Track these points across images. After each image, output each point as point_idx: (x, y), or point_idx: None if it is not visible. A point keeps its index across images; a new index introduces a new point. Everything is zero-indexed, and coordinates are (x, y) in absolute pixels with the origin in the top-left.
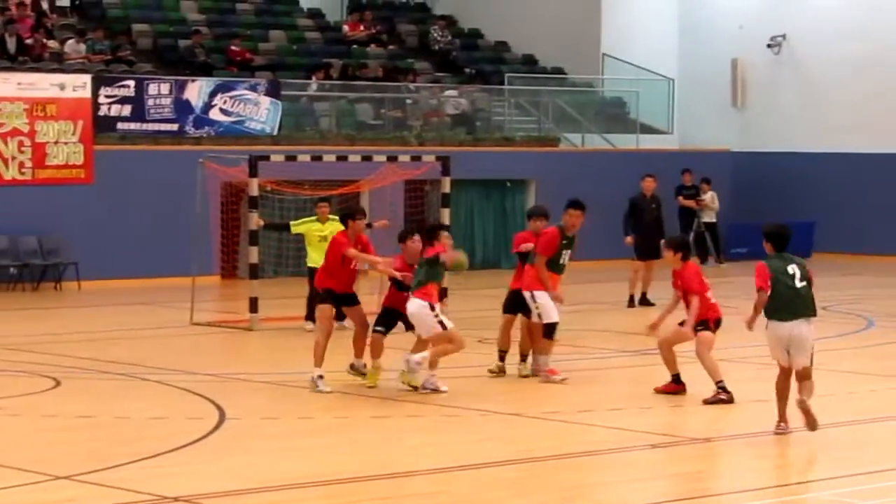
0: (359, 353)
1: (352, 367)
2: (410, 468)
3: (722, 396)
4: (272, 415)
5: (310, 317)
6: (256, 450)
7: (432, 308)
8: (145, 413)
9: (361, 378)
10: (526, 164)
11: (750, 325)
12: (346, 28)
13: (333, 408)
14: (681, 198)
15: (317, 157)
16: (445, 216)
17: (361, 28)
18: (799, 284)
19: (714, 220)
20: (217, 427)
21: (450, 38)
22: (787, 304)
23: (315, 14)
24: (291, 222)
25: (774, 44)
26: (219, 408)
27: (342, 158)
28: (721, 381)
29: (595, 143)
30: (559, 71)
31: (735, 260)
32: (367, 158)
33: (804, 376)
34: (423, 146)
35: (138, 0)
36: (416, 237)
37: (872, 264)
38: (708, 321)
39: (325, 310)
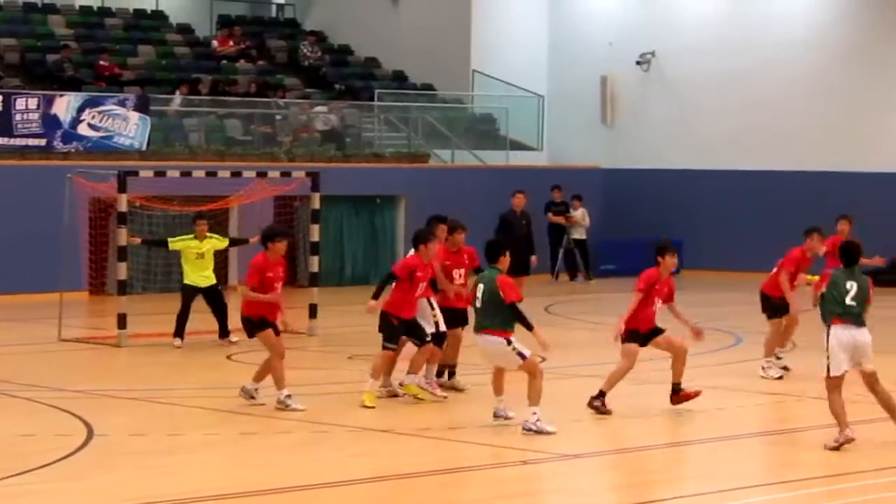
0: (258, 377)
1: (243, 389)
2: (277, 485)
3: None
4: (140, 431)
5: (178, 333)
6: (124, 467)
7: (509, 343)
8: (13, 430)
9: (249, 400)
10: (396, 180)
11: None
12: (215, 43)
13: (203, 425)
14: (550, 214)
15: (186, 173)
16: (315, 232)
17: (231, 43)
18: (849, 301)
19: (584, 237)
20: (85, 444)
21: (320, 53)
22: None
23: (184, 29)
24: (169, 239)
25: (643, 60)
26: (87, 424)
27: (211, 174)
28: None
29: (465, 159)
30: (429, 87)
31: (604, 276)
32: (236, 174)
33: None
34: (293, 162)
35: (5, 14)
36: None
37: (741, 281)
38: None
39: (269, 334)
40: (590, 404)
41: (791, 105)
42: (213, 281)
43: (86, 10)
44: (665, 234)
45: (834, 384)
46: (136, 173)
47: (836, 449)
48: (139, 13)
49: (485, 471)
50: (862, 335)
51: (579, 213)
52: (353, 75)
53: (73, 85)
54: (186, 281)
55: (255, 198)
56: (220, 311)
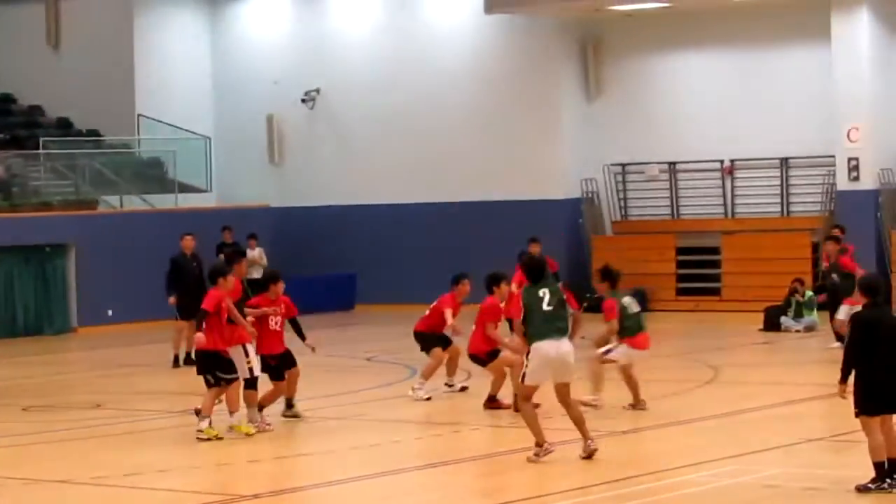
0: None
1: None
2: None
3: None
4: None
5: None
6: None
7: None
8: None
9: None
10: (65, 227)
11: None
12: None
13: None
14: (222, 255)
15: None
16: None
17: None
18: (546, 308)
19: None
20: None
21: None
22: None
23: None
24: None
25: (309, 98)
26: None
27: None
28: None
29: (134, 203)
30: (95, 133)
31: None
32: None
33: None
34: None
35: None
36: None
37: (413, 313)
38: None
39: None
40: None
41: (450, 136)
42: None
43: None
44: (341, 268)
45: (528, 393)
46: None
47: (536, 460)
48: None
49: None
50: (565, 346)
51: (256, 253)
52: (17, 124)
53: None
54: None
55: None
56: None
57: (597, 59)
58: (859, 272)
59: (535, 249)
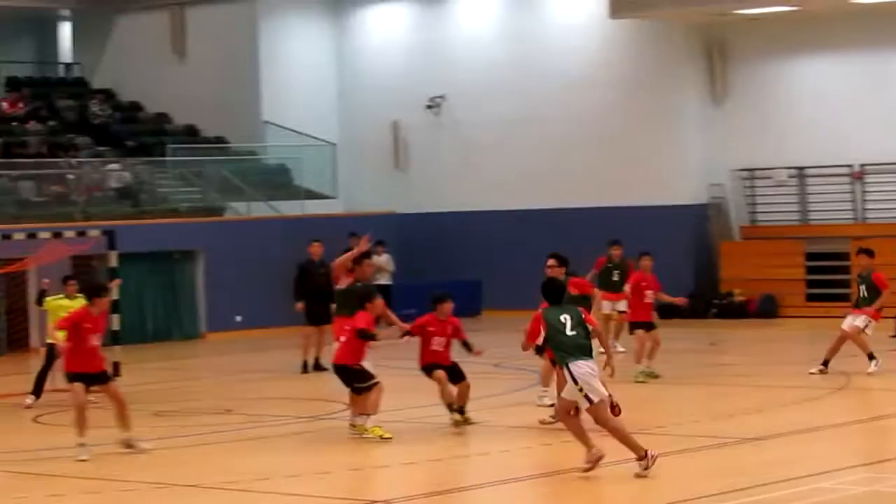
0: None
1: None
2: None
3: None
4: None
5: (36, 391)
6: None
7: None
8: None
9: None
10: (192, 234)
11: None
12: (4, 105)
13: (10, 488)
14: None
15: None
16: (114, 290)
17: (20, 105)
18: (570, 333)
19: (389, 283)
20: None
21: (109, 111)
22: None
23: None
24: (46, 298)
25: (434, 104)
26: None
27: (7, 237)
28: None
29: (261, 210)
30: (221, 140)
31: (404, 321)
32: (32, 236)
33: None
34: (88, 221)
35: None
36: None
37: None
38: None
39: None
40: None
41: (574, 141)
42: None
43: None
44: (463, 275)
45: (567, 406)
46: None
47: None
48: None
49: None
50: (591, 366)
51: (384, 259)
52: (144, 132)
53: None
54: (49, 339)
55: (52, 258)
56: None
57: (722, 63)
58: None
59: (646, 264)
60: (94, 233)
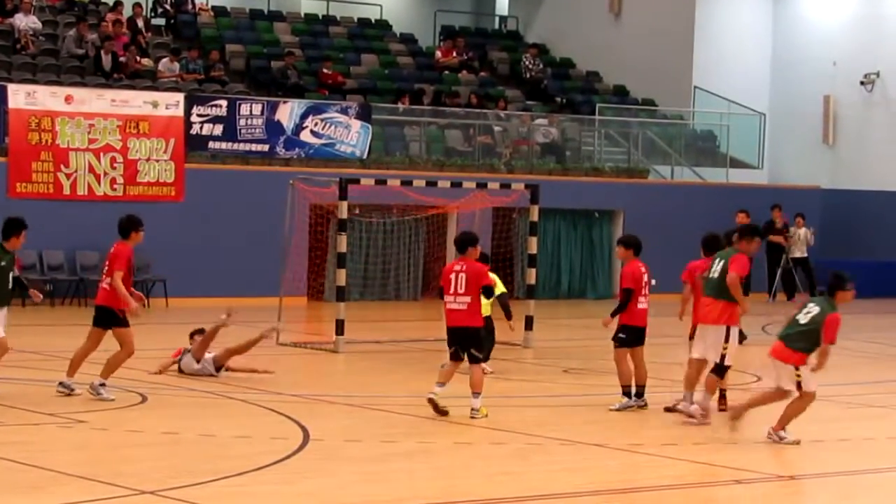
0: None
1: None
2: (487, 496)
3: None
4: (355, 437)
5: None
6: (338, 472)
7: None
8: (230, 431)
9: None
10: (614, 194)
11: None
12: (438, 54)
13: (417, 433)
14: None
15: (407, 182)
16: (533, 244)
17: (453, 55)
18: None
19: (805, 255)
20: (300, 448)
21: (541, 66)
22: None
23: (407, 39)
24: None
25: (867, 81)
26: (303, 428)
27: (432, 184)
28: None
29: (684, 175)
30: (650, 102)
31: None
32: (456, 185)
33: None
34: (511, 174)
35: (232, 21)
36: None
37: None
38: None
39: (129, 330)
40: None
41: None
42: None
43: (311, 18)
44: (886, 256)
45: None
46: (357, 181)
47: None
48: (363, 22)
49: (691, 489)
50: None
51: (802, 232)
52: (574, 89)
53: (297, 92)
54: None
55: (475, 207)
56: None
57: None
58: None
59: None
60: (518, 186)
